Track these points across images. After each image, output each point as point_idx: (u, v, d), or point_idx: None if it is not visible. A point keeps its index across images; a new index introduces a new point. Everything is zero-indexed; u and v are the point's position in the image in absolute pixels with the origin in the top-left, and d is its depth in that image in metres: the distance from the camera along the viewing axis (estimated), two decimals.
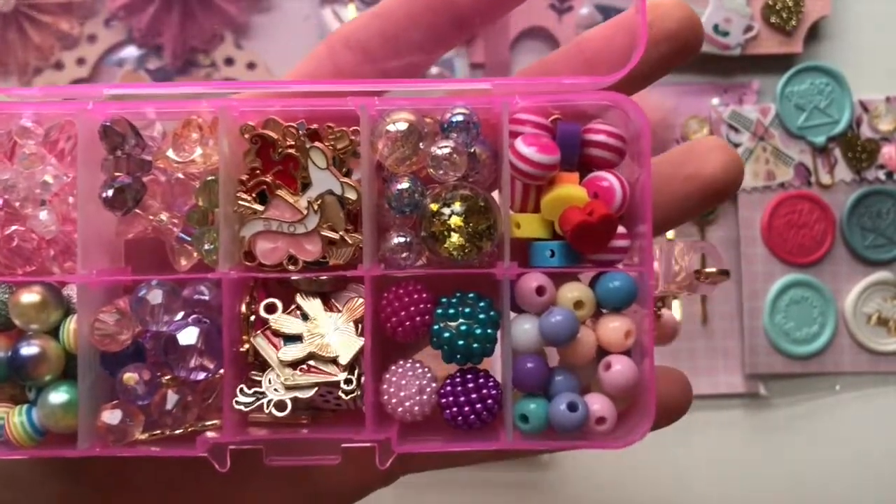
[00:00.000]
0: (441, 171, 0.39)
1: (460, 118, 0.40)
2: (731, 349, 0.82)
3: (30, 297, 0.39)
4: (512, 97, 0.39)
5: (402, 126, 0.39)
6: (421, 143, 0.39)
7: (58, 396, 0.39)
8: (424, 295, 0.40)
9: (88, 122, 0.39)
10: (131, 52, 0.88)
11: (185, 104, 0.41)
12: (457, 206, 0.39)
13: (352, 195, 0.39)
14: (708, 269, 0.41)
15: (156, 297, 0.39)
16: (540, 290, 0.40)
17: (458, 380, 0.41)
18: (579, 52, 0.43)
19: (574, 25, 0.87)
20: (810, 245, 0.82)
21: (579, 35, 0.44)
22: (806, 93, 0.83)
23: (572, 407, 0.39)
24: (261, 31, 0.89)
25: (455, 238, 0.39)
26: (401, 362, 0.41)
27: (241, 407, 0.39)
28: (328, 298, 0.41)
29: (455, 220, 0.39)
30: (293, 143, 0.40)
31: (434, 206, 0.39)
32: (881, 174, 0.84)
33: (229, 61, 0.94)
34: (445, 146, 0.39)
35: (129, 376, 0.38)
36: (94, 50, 0.97)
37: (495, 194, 0.41)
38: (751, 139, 0.83)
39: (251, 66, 0.94)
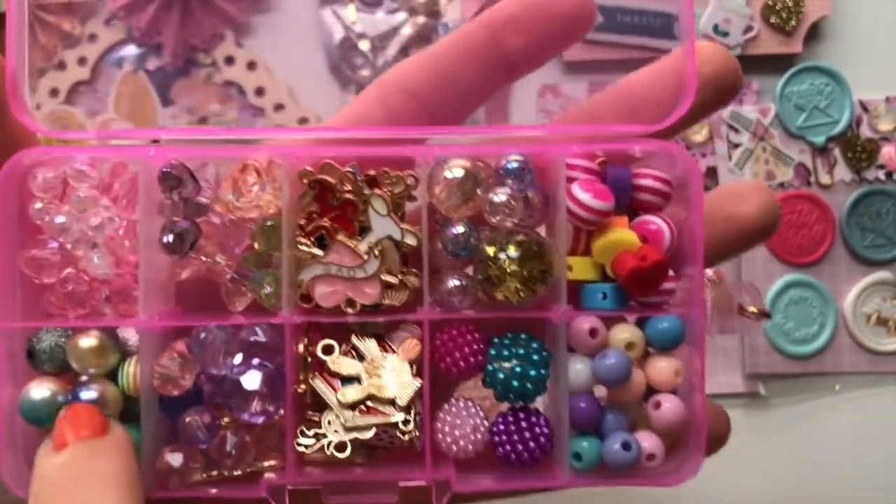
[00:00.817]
0: (498, 217, 0.41)
1: (515, 165, 0.41)
2: (731, 349, 0.84)
3: (88, 341, 0.40)
4: (568, 145, 0.41)
5: (459, 173, 0.41)
6: (478, 190, 0.41)
7: None
8: (476, 335, 0.42)
9: (149, 166, 0.40)
10: (131, 50, 0.89)
11: (238, 149, 0.42)
12: (512, 251, 0.41)
13: (412, 241, 0.41)
14: (751, 309, 0.43)
15: (217, 340, 0.40)
16: (593, 332, 0.41)
17: (510, 418, 0.42)
18: (623, 98, 0.45)
19: None
20: (810, 245, 0.84)
21: (622, 79, 0.46)
22: (806, 93, 0.84)
23: (626, 446, 0.41)
24: (261, 31, 0.90)
25: (511, 283, 0.40)
26: (453, 401, 0.43)
27: (303, 448, 0.40)
28: (382, 339, 0.42)
29: (511, 265, 0.40)
30: (351, 187, 0.41)
31: (490, 251, 0.41)
32: (881, 174, 0.85)
33: (229, 60, 0.94)
34: (503, 193, 0.41)
35: (193, 420, 0.39)
36: (95, 49, 0.97)
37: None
38: (750, 139, 0.84)
39: (251, 65, 0.94)
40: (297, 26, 0.90)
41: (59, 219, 0.41)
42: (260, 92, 0.97)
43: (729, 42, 0.84)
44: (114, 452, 0.37)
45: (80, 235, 0.41)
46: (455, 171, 0.41)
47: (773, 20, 0.84)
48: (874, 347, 0.84)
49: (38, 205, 0.41)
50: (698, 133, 0.84)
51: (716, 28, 0.84)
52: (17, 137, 0.41)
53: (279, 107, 0.97)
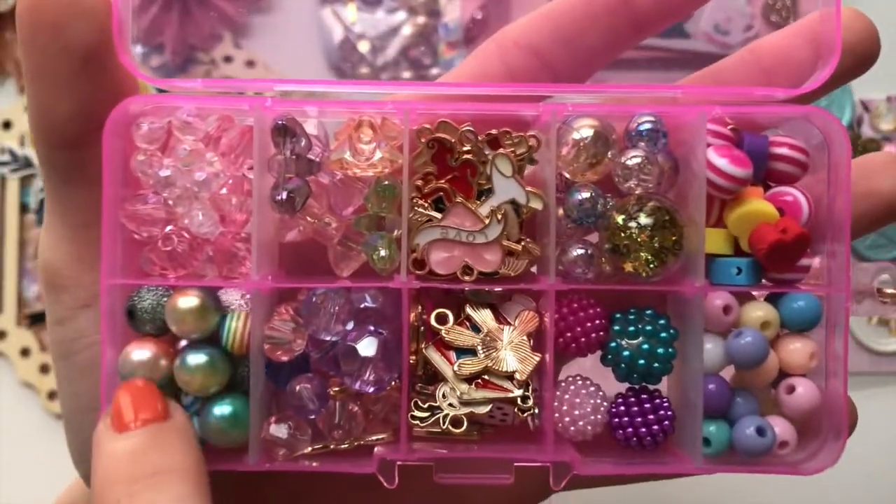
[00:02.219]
0: (632, 182, 0.39)
1: (649, 126, 0.39)
2: None
3: (188, 301, 0.38)
4: (710, 107, 0.38)
5: (588, 133, 0.39)
6: (609, 153, 0.39)
7: (222, 409, 0.38)
8: (598, 309, 0.40)
9: (264, 119, 0.38)
10: (136, 49, 0.93)
11: (350, 104, 0.40)
12: (643, 219, 0.38)
13: (537, 205, 0.39)
14: (890, 291, 0.41)
15: (330, 304, 0.38)
16: (727, 310, 0.39)
17: (631, 399, 0.40)
18: (755, 61, 0.42)
19: None
20: None
21: (753, 42, 0.43)
22: None
23: (761, 431, 0.38)
24: (259, 31, 0.91)
25: (641, 253, 0.38)
26: (569, 378, 0.41)
27: (417, 422, 0.38)
28: (496, 309, 0.40)
29: (641, 235, 0.38)
30: (470, 148, 0.39)
31: (619, 219, 0.39)
32: None
33: (228, 59, 0.96)
34: (637, 156, 0.38)
35: (303, 388, 0.38)
36: None
37: None
38: None
39: (250, 63, 0.96)
40: (297, 26, 0.91)
41: (164, 172, 0.39)
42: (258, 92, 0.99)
43: (730, 41, 0.84)
44: (178, 441, 0.35)
45: (183, 191, 0.40)
46: (583, 131, 0.39)
47: (773, 18, 0.83)
48: (875, 348, 0.83)
49: (141, 157, 0.39)
50: None
51: (716, 27, 0.84)
52: (122, 86, 0.39)
53: None
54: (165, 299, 0.39)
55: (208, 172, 0.40)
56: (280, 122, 0.38)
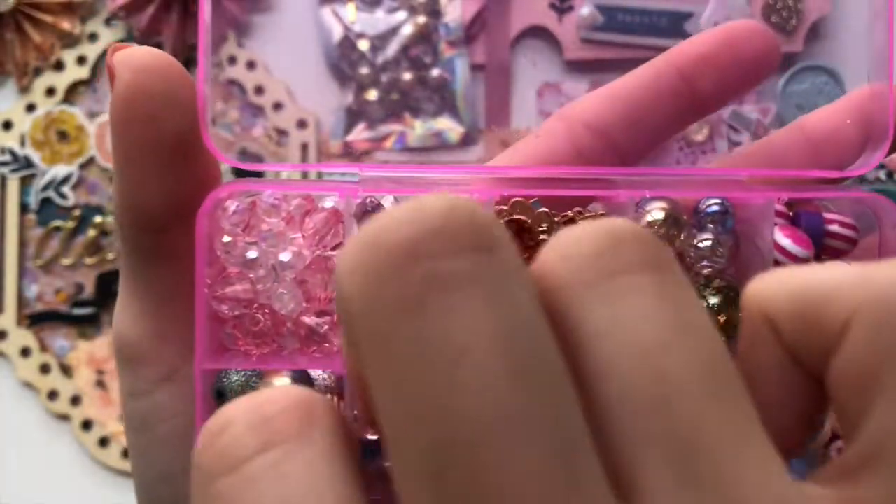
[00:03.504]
0: (703, 263, 0.40)
1: (716, 209, 0.40)
2: None
3: (281, 382, 0.39)
4: (777, 193, 0.40)
5: (660, 215, 0.40)
6: (682, 234, 0.40)
7: None
8: None
9: (351, 203, 0.39)
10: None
11: (429, 189, 0.41)
12: (711, 299, 0.40)
13: None
14: None
15: None
16: None
17: None
18: (804, 138, 0.44)
19: (575, 26, 0.88)
20: None
21: (802, 118, 0.45)
22: (807, 92, 0.83)
23: None
24: (260, 30, 0.91)
25: None
26: None
27: None
28: None
29: (710, 313, 0.40)
30: (546, 227, 0.40)
31: None
32: (881, 174, 0.85)
33: (232, 60, 0.96)
34: (708, 239, 0.40)
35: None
36: (95, 49, 1.00)
37: None
38: (750, 139, 0.84)
39: (251, 64, 0.95)
40: (296, 25, 0.91)
41: (251, 254, 0.40)
42: (259, 91, 0.98)
43: None
44: None
45: (267, 271, 0.40)
46: (655, 213, 0.40)
47: (773, 19, 0.84)
48: None
49: (227, 238, 0.40)
50: (699, 132, 0.84)
51: (717, 26, 0.85)
52: (207, 169, 0.39)
53: (278, 105, 0.97)
54: (255, 379, 0.39)
55: (292, 252, 0.40)
56: (368, 208, 0.39)
